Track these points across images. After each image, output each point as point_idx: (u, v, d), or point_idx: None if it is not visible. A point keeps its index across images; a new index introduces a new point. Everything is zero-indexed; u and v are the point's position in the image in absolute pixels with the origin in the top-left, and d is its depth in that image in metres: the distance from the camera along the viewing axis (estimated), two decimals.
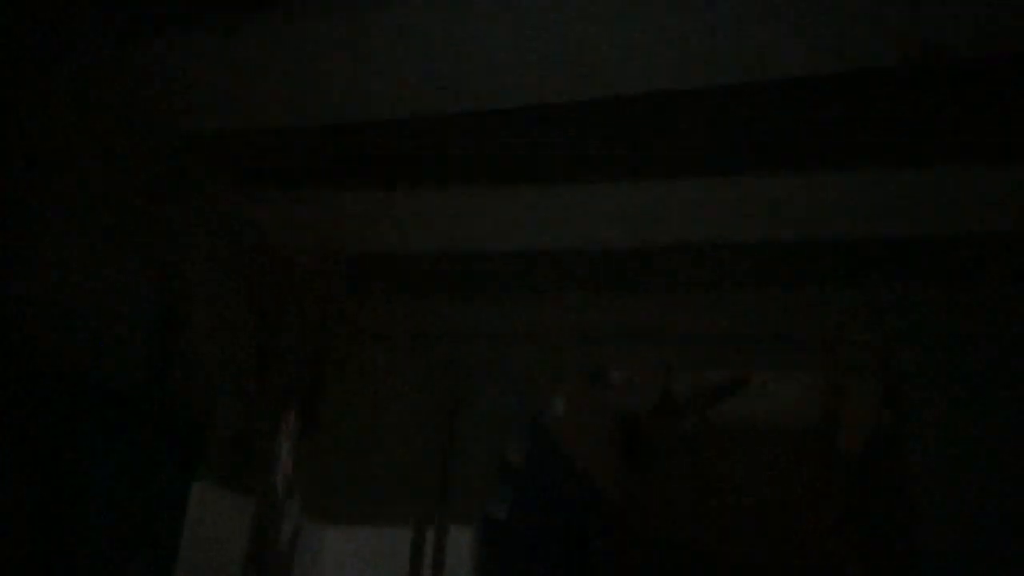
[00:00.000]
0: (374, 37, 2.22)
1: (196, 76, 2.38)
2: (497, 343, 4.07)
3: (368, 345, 3.98)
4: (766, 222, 2.98)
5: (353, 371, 3.89)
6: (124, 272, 2.63)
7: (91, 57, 2.31)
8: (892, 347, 3.63)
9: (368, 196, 2.98)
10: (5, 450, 2.22)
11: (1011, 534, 3.18)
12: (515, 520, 4.64)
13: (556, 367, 4.45)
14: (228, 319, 3.07)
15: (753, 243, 3.19)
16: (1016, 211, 2.78)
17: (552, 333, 3.95)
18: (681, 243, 3.21)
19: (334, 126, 2.68)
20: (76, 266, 2.46)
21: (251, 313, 3.17)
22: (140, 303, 2.68)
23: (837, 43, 2.13)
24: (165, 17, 2.20)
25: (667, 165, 2.73)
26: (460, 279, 3.60)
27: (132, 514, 2.64)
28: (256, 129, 2.69)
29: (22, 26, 2.18)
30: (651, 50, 2.21)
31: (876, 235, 3.07)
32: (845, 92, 2.39)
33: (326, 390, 3.69)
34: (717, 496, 6.54)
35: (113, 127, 2.52)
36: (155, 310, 2.73)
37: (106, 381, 2.56)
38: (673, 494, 6.66)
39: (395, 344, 4.06)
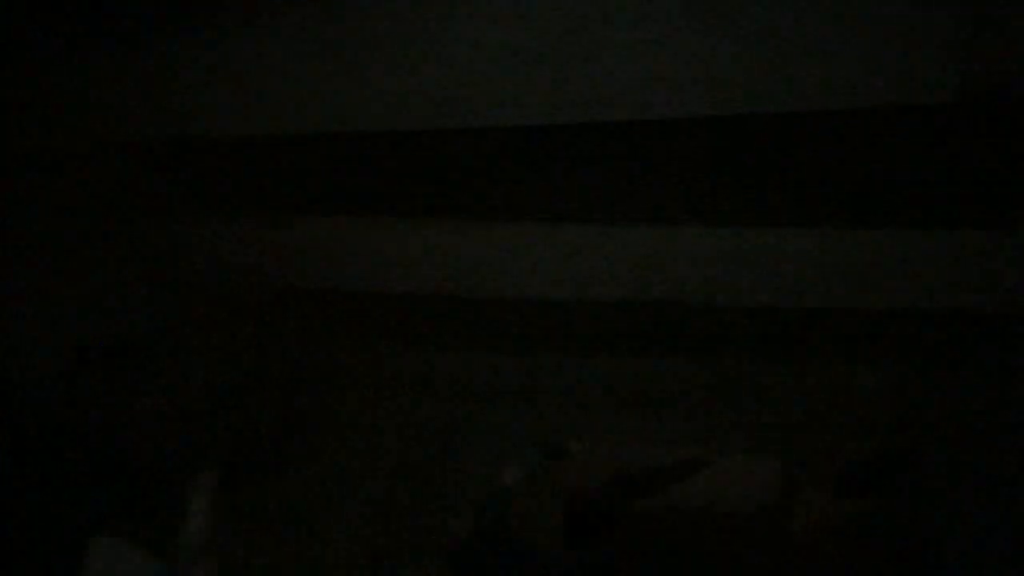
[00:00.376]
0: (348, 40, 2.08)
1: (161, 85, 2.24)
2: (472, 402, 3.94)
3: (318, 397, 3.81)
4: (763, 281, 2.88)
5: (296, 427, 3.72)
6: (52, 300, 2.50)
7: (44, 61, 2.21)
8: (868, 432, 3.58)
9: (337, 225, 2.85)
10: None
11: None
12: None
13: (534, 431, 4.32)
14: (165, 355, 2.92)
15: (748, 306, 3.08)
16: (1006, 288, 2.72)
17: (527, 393, 3.85)
18: (672, 300, 3.09)
19: (303, 142, 2.50)
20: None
21: (192, 351, 3.02)
22: (61, 337, 2.54)
23: (869, 75, 2.00)
24: (123, 25, 2.09)
25: (667, 209, 2.65)
26: (429, 327, 3.47)
27: (25, 566, 2.46)
28: (219, 143, 2.51)
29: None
30: (661, 71, 2.08)
31: (866, 308, 2.95)
32: (860, 135, 2.28)
33: (264, 445, 3.52)
34: None
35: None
36: (76, 347, 2.59)
37: (17, 417, 2.42)
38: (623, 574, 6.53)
39: (355, 396, 3.91)
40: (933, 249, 2.61)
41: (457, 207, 2.76)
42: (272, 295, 3.27)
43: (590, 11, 1.99)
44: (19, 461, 2.23)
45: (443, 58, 2.12)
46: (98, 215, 2.51)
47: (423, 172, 2.65)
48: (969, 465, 3.22)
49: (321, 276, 3.17)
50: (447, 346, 3.53)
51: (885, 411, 3.55)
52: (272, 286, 3.22)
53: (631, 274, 2.99)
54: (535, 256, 2.97)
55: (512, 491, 5.17)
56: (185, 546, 3.00)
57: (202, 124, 2.43)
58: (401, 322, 3.49)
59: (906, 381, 3.39)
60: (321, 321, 3.48)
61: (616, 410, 3.94)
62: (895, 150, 2.32)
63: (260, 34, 2.11)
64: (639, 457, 5.45)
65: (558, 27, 2.03)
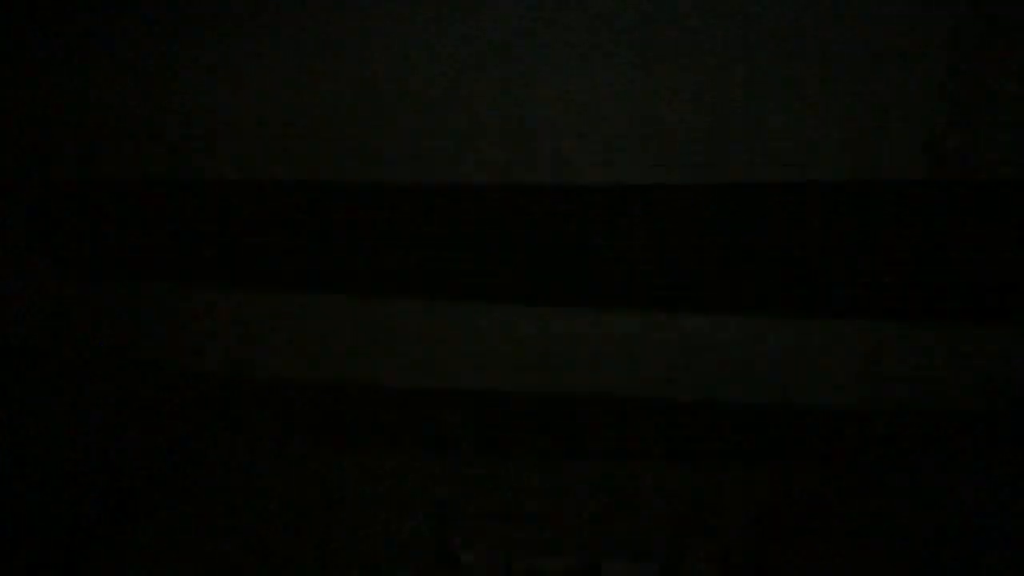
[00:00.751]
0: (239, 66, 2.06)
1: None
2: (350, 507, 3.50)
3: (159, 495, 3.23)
4: (666, 373, 2.70)
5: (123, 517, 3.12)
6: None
7: None
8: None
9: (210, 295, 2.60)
10: None
11: None
12: None
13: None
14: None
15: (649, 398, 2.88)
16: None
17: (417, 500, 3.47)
18: (591, 394, 2.88)
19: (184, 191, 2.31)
20: None
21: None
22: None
23: (851, 146, 1.97)
24: None
25: (600, 291, 2.48)
26: (311, 418, 3.12)
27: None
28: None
29: None
30: (601, 128, 2.00)
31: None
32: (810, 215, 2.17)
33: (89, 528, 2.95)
34: None
35: None
36: None
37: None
38: None
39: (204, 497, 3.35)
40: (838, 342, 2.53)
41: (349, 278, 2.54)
42: (131, 372, 2.93)
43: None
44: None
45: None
46: None
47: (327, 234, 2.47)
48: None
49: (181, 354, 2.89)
50: (319, 443, 3.13)
51: (775, 515, 3.40)
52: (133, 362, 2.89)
53: (527, 364, 2.82)
54: (421, 340, 2.77)
55: None
56: None
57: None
58: (259, 413, 3.16)
59: (801, 486, 3.26)
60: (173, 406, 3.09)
61: (503, 517, 3.72)
62: (843, 231, 2.23)
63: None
64: (528, 565, 5.41)
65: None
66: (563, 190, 2.17)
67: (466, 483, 3.38)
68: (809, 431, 3.00)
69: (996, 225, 2.11)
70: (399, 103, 1.98)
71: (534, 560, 5.17)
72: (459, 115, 1.99)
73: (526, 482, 3.40)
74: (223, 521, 3.12)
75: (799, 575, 3.52)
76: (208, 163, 2.19)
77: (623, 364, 2.70)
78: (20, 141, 2.20)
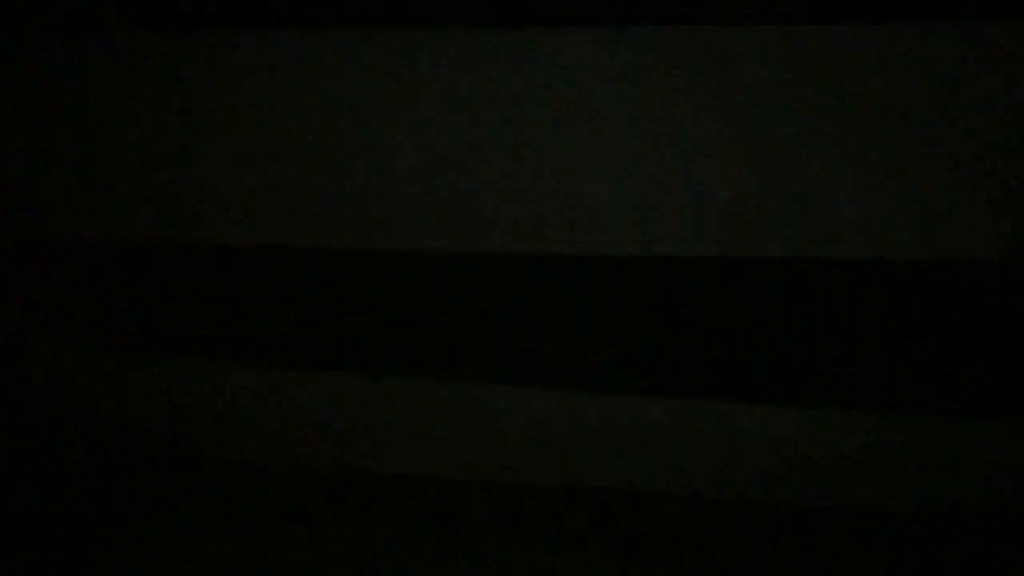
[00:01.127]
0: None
1: None
2: None
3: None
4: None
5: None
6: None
7: None
8: None
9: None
10: None
11: None
12: None
13: None
14: None
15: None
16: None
17: None
18: (613, 488, 2.51)
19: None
20: None
21: None
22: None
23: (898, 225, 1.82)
24: None
25: (630, 374, 2.23)
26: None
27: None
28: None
29: None
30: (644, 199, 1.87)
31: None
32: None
33: None
34: None
35: None
36: None
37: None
38: None
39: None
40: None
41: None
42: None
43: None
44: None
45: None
46: None
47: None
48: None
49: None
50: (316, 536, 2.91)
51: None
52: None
53: (543, 452, 2.52)
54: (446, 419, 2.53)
55: None
56: None
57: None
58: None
59: None
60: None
61: None
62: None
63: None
64: None
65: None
66: (591, 260, 2.02)
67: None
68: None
69: None
70: (410, 163, 1.92)
71: None
72: (478, 175, 1.89)
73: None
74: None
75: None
76: (204, 224, 2.14)
77: (653, 457, 2.37)
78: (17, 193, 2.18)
